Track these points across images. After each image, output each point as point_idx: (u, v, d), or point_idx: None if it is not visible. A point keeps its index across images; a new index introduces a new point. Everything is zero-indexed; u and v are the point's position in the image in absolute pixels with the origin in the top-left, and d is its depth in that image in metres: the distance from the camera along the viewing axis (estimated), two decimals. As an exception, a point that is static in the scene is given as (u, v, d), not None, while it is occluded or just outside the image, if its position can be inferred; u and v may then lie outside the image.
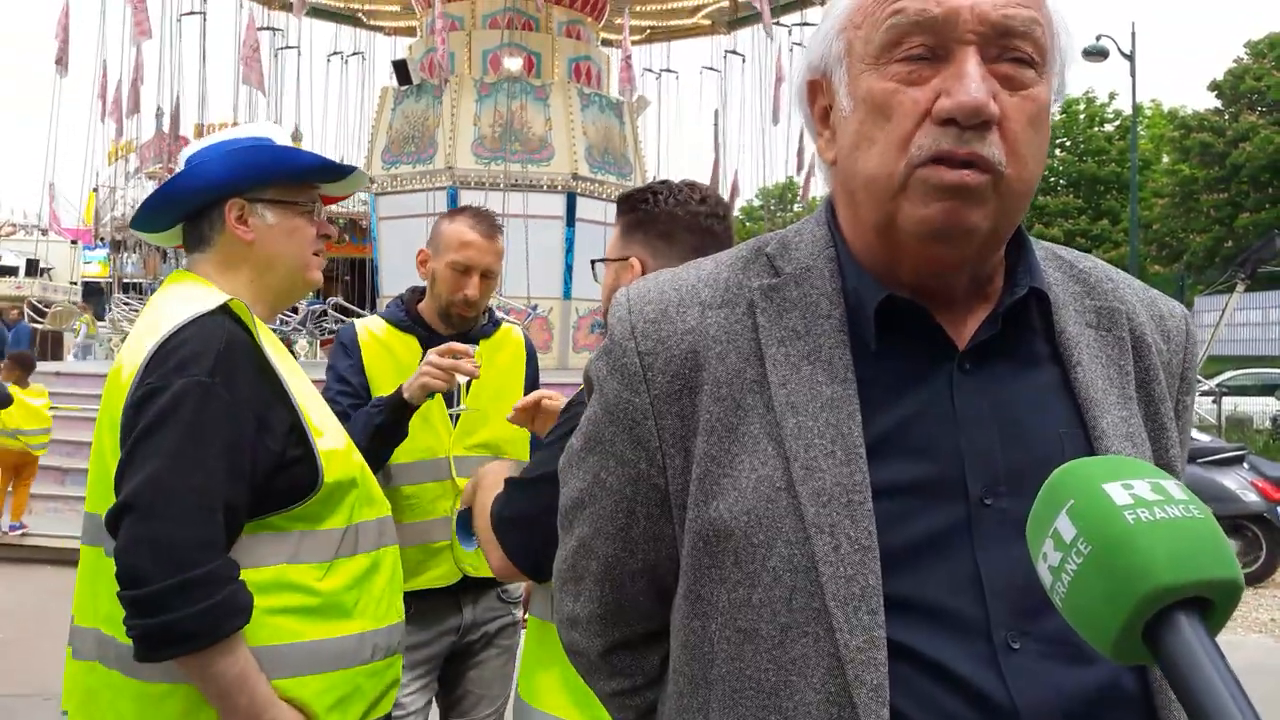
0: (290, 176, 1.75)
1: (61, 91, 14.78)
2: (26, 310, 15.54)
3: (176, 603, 1.44)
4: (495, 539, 1.59)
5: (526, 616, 2.08)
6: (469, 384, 2.32)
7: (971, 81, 0.83)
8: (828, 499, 0.84)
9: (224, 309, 1.59)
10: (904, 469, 0.87)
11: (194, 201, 1.71)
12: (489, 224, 2.49)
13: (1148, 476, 0.67)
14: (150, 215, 1.77)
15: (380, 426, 2.25)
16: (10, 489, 8.10)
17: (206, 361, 1.53)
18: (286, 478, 1.58)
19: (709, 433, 0.89)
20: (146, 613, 1.45)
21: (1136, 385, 0.94)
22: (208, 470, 1.50)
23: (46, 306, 15.71)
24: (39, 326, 15.86)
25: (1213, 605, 0.64)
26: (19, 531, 7.95)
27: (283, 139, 1.81)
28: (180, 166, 1.78)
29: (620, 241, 1.75)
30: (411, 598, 1.99)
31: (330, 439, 1.66)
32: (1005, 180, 0.85)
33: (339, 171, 1.81)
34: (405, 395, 2.26)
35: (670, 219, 1.68)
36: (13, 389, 7.72)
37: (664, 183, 1.76)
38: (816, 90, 0.96)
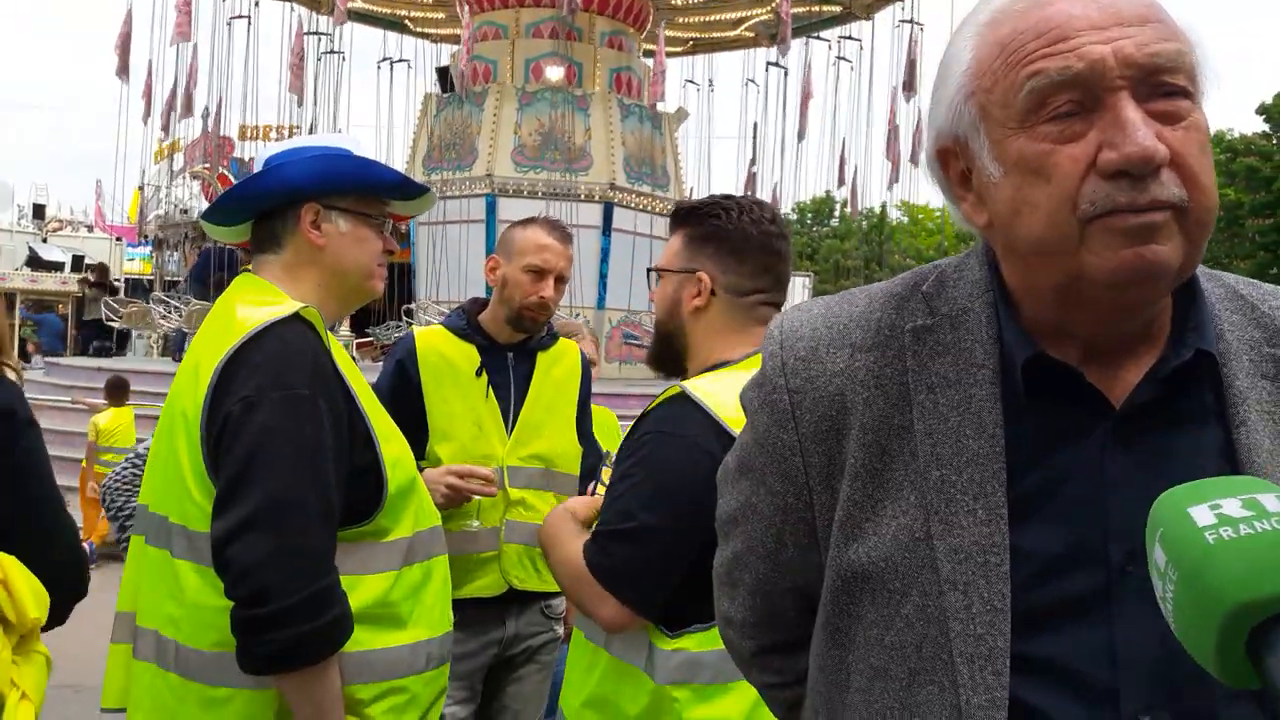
0: (368, 188, 1.77)
1: (123, 97, 14.90)
2: (104, 308, 15.62)
3: (310, 614, 1.45)
4: (603, 592, 1.60)
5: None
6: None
7: (1136, 130, 0.78)
8: (964, 557, 0.84)
9: (298, 316, 1.59)
10: (1045, 531, 0.85)
11: (271, 201, 1.73)
12: (563, 231, 2.57)
13: (1242, 493, 0.65)
14: (224, 211, 1.79)
15: None
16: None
17: (302, 374, 1.54)
18: (359, 487, 1.59)
19: (854, 477, 0.90)
20: (279, 626, 1.44)
21: None
22: (324, 482, 1.52)
23: (122, 305, 15.83)
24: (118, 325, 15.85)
25: None
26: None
27: (361, 151, 1.83)
28: (259, 166, 1.80)
29: (685, 253, 1.73)
30: (457, 606, 1.98)
31: (393, 445, 1.66)
32: (1188, 211, 0.81)
33: (414, 190, 1.84)
34: None
35: (744, 237, 1.69)
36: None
37: (730, 197, 1.75)
38: (949, 155, 0.91)
